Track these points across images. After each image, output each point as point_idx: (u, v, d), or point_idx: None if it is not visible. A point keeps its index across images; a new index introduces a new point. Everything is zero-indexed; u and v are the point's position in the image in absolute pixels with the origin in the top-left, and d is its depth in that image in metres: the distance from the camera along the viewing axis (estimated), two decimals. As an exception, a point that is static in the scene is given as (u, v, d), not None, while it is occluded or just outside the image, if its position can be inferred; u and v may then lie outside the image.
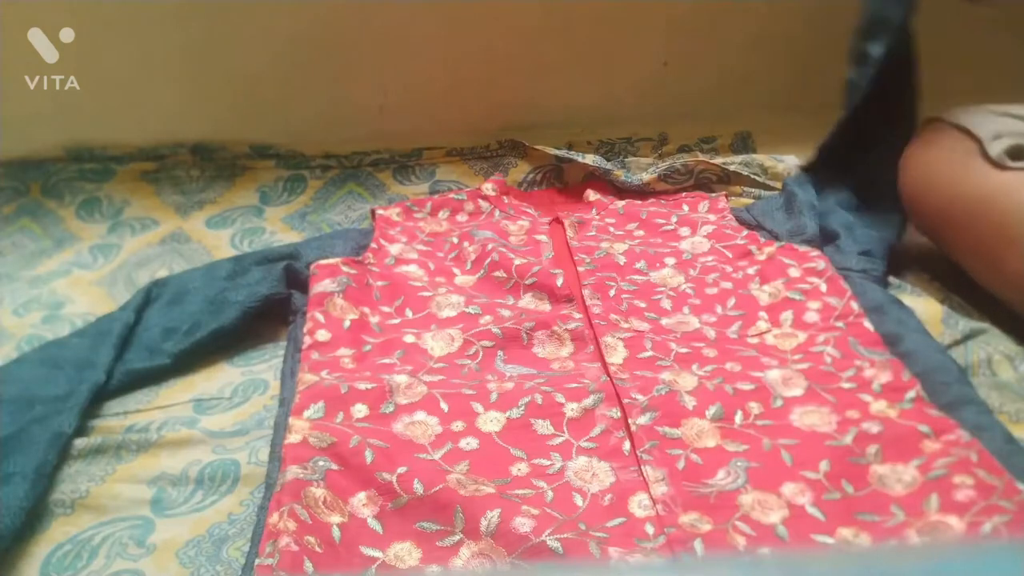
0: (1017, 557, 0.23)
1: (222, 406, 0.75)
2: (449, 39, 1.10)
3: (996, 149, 0.76)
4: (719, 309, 0.79)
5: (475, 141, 1.09)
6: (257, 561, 0.58)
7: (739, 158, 1.00)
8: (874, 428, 0.64)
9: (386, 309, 0.82)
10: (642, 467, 0.63)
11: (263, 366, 0.79)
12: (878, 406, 0.66)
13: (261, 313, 0.83)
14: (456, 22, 1.09)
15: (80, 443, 0.70)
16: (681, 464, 0.63)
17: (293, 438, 0.66)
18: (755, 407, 0.68)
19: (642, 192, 0.98)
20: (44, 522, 0.65)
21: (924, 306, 0.76)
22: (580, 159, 1.02)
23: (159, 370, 0.78)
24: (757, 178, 0.97)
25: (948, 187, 0.78)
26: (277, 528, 0.59)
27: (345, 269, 0.84)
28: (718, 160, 0.99)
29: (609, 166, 1.00)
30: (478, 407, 0.69)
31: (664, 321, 0.78)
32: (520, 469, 0.64)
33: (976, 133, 0.78)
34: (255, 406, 0.74)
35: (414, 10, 1.07)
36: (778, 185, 0.97)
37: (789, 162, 0.98)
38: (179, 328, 0.81)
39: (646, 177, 0.98)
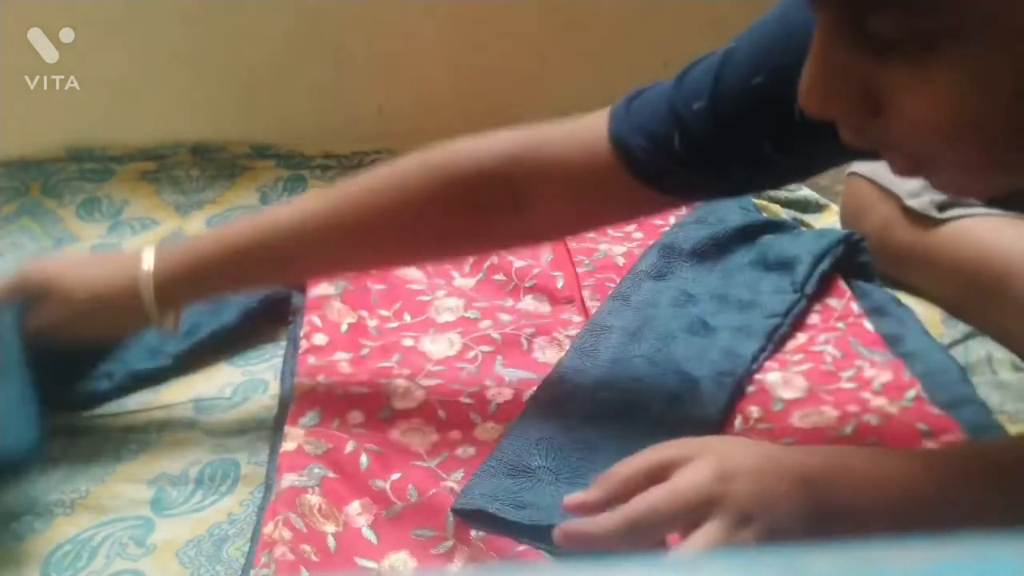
0: (1017, 557, 0.22)
1: (222, 406, 0.74)
2: (449, 39, 1.10)
3: (919, 204, 0.75)
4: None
5: (475, 141, 1.09)
6: (252, 573, 0.57)
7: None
8: (873, 420, 0.64)
9: (384, 313, 0.82)
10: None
11: (263, 366, 0.79)
12: (878, 402, 0.66)
13: (261, 313, 0.83)
14: (456, 23, 1.09)
15: (80, 443, 0.70)
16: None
17: (288, 446, 0.65)
18: (755, 411, 0.68)
19: None
20: (44, 522, 0.65)
21: (924, 306, 0.76)
22: None
23: (160, 371, 0.78)
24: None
25: (890, 254, 0.78)
26: (272, 538, 0.58)
27: None
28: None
29: None
30: (476, 418, 0.69)
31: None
32: None
33: (893, 191, 0.78)
34: (255, 406, 0.74)
35: (414, 10, 1.07)
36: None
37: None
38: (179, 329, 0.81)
39: None
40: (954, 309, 0.74)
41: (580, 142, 0.59)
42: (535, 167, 0.60)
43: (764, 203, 0.93)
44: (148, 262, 0.59)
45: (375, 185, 0.62)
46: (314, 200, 0.63)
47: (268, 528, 0.59)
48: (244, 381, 0.77)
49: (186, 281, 0.61)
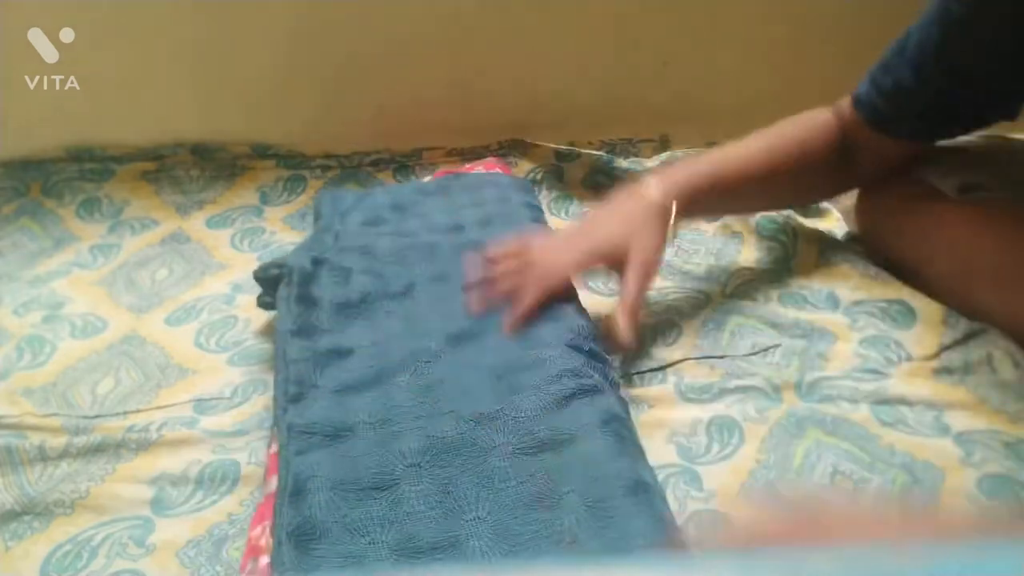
0: (1017, 557, 0.22)
1: (222, 406, 0.75)
2: (449, 39, 1.10)
3: (947, 186, 0.76)
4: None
5: (475, 141, 1.09)
6: None
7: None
8: None
9: None
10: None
11: (263, 366, 0.79)
12: None
13: (262, 311, 0.83)
14: (456, 23, 1.09)
15: (80, 443, 0.70)
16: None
17: (276, 448, 0.65)
18: None
19: None
20: (44, 522, 0.65)
21: (924, 306, 0.76)
22: (582, 152, 1.02)
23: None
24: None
25: (906, 230, 0.78)
26: (259, 544, 0.58)
27: None
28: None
29: (611, 157, 1.00)
30: None
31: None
32: None
33: (922, 175, 0.79)
34: (255, 406, 0.74)
35: (414, 11, 1.07)
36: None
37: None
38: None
39: (649, 164, 0.98)
40: (955, 290, 0.74)
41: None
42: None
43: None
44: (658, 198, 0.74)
45: (778, 140, 0.79)
46: (754, 146, 0.79)
47: (256, 532, 0.59)
48: (244, 381, 0.77)
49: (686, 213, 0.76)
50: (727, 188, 0.76)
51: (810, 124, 0.79)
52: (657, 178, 0.74)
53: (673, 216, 0.73)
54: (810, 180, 0.80)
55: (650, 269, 0.71)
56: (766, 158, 0.77)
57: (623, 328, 0.69)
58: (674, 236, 0.74)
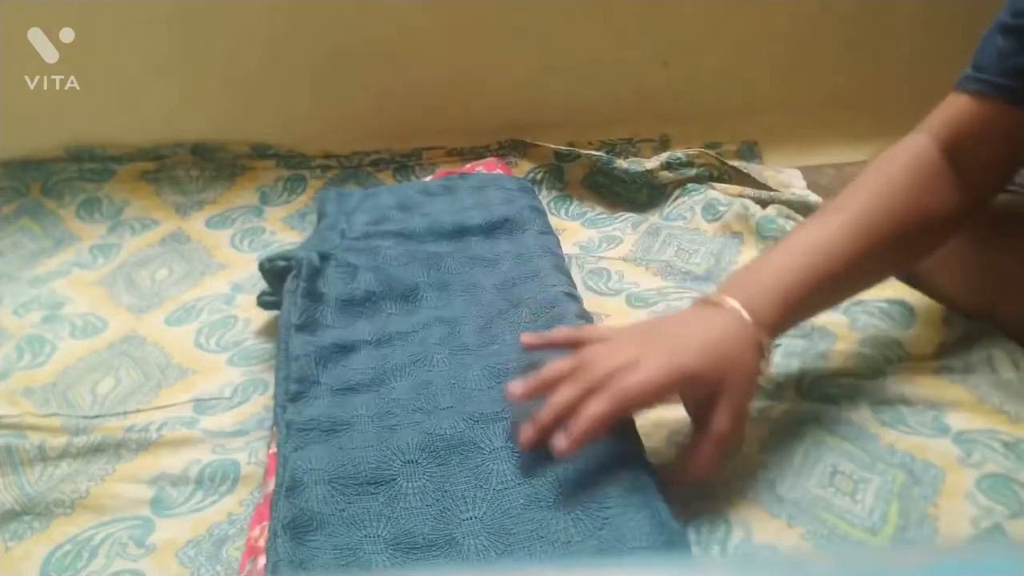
0: (1017, 557, 0.23)
1: (222, 406, 0.75)
2: (449, 39, 1.10)
3: None
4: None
5: (475, 141, 1.09)
6: None
7: (739, 163, 1.00)
8: None
9: None
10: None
11: (263, 366, 0.79)
12: None
13: (262, 311, 0.83)
14: (456, 23, 1.09)
15: (80, 442, 0.70)
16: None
17: (275, 448, 0.65)
18: None
19: (646, 183, 0.98)
20: (44, 522, 0.65)
21: (924, 306, 0.76)
22: (582, 152, 1.02)
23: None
24: (756, 177, 0.97)
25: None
26: (258, 544, 0.58)
27: None
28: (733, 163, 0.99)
29: (610, 158, 1.00)
30: None
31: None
32: None
33: None
34: (255, 406, 0.74)
35: (414, 11, 1.07)
36: (777, 189, 0.96)
37: (789, 174, 0.98)
38: None
39: (648, 165, 0.98)
40: (977, 290, 0.74)
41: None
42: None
43: (769, 195, 0.93)
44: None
45: (878, 196, 0.65)
46: (837, 224, 0.64)
47: (255, 532, 0.59)
48: (244, 381, 0.77)
49: (783, 326, 0.63)
50: (830, 287, 0.63)
51: (903, 164, 0.65)
52: (744, 291, 0.60)
53: (768, 355, 0.60)
54: (929, 231, 0.66)
55: (745, 411, 0.59)
56: (866, 232, 0.63)
57: (705, 460, 0.57)
58: (766, 371, 0.61)
